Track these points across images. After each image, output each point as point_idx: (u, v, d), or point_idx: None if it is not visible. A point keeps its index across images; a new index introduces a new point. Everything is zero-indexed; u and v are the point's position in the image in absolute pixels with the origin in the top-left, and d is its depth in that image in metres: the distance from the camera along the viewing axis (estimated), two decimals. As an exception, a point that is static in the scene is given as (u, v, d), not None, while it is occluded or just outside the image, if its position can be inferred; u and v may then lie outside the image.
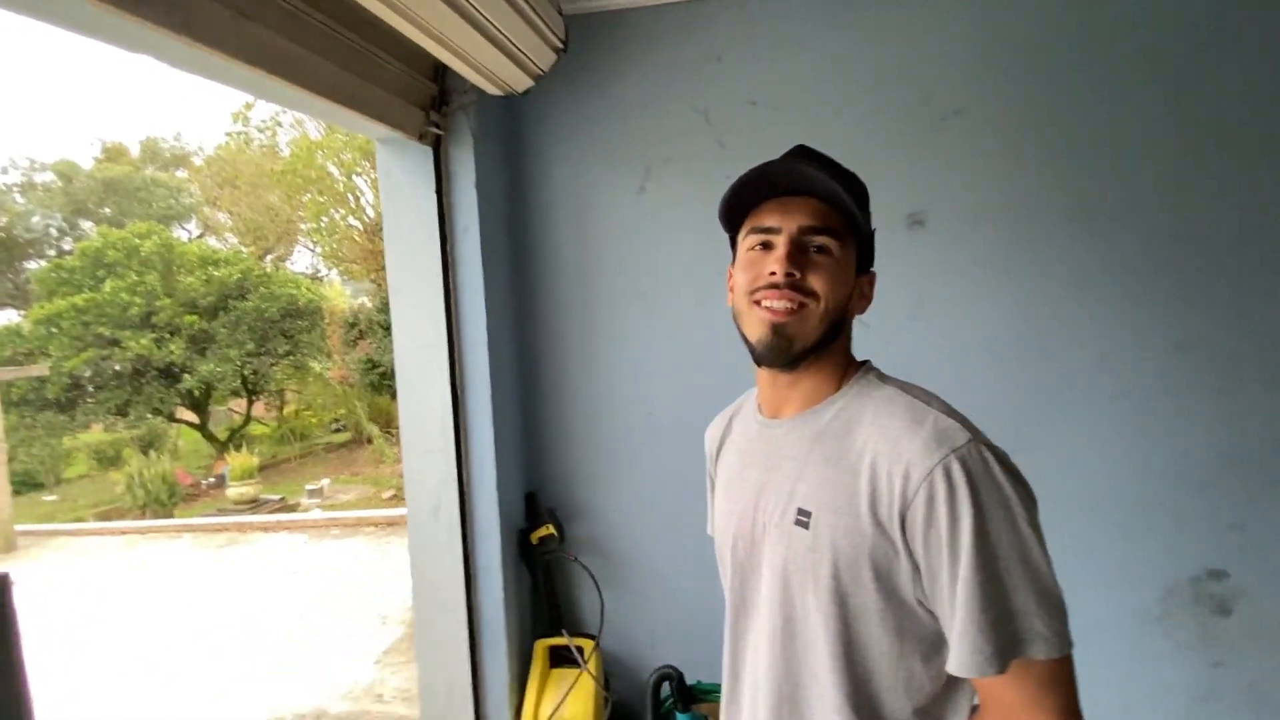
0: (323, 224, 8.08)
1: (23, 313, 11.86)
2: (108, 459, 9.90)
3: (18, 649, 1.31)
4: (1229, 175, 1.72)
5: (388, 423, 11.08)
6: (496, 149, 1.93)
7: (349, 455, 10.83)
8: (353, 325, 8.58)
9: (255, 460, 8.04)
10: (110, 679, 3.27)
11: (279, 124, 9.10)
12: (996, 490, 0.65)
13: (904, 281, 1.83)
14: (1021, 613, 0.64)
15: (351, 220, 8.08)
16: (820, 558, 0.72)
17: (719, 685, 1.96)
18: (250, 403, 10.68)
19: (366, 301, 8.92)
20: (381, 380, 8.01)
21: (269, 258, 12.72)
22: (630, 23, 1.92)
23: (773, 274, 0.73)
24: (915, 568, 0.68)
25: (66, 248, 15.27)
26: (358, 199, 8.07)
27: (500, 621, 1.90)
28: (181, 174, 16.31)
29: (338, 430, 12.06)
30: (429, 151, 1.73)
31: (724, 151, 1.90)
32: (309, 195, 8.19)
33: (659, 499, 2.05)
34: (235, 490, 7.49)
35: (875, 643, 0.71)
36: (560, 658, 2.01)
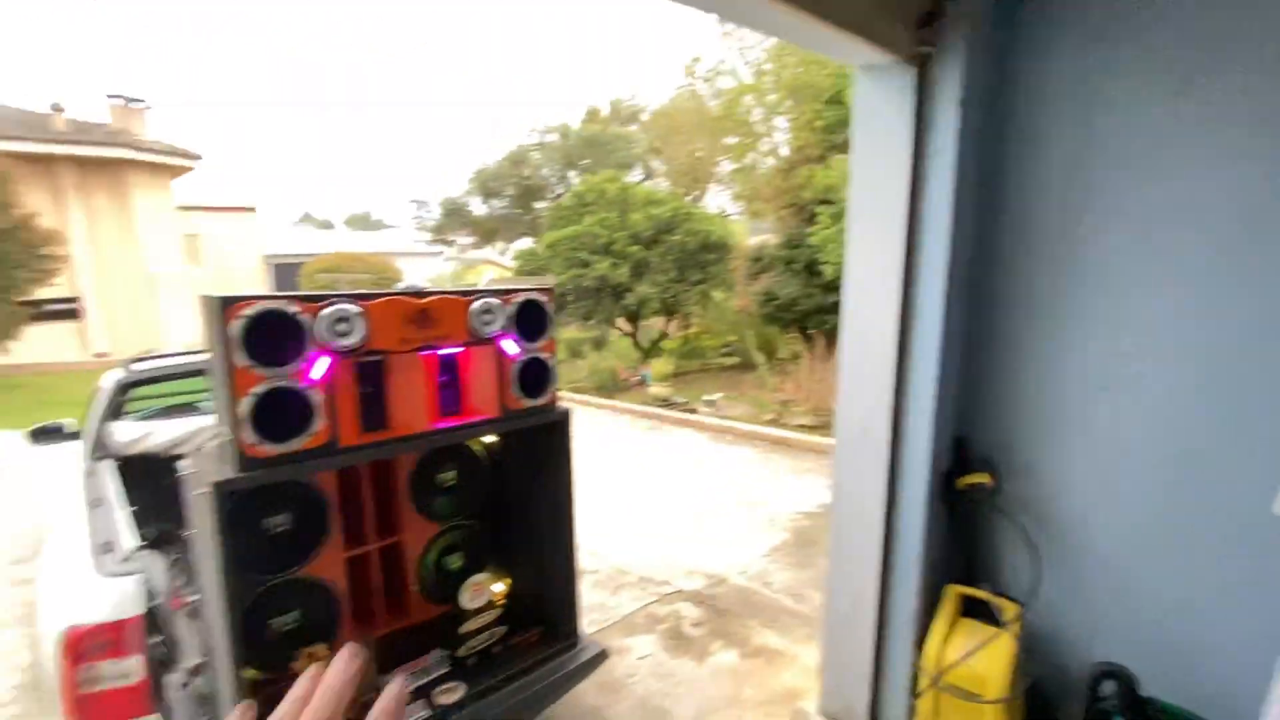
0: (743, 164, 8.79)
1: (534, 240, 16.56)
2: (574, 352, 13.35)
3: (571, 459, 1.89)
4: None
5: (771, 352, 11.92)
6: (987, 64, 1.76)
7: (736, 376, 12.06)
8: (756, 260, 9.27)
9: (670, 368, 9.67)
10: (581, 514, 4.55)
11: (719, 73, 10.10)
12: None
13: None
14: None
15: (768, 160, 8.56)
16: None
17: (1187, 713, 1.60)
18: (667, 321, 12.76)
19: (770, 238, 9.48)
20: (776, 312, 8.53)
21: (688, 198, 14.65)
22: None
23: None
24: None
25: (559, 191, 20.43)
26: (774, 140, 8.49)
27: (916, 553, 1.91)
28: (634, 128, 19.76)
29: (728, 354, 13.55)
30: (913, 73, 1.69)
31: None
32: (736, 139, 8.97)
33: (1132, 478, 1.71)
34: (654, 389, 9.21)
35: None
36: (972, 610, 1.92)
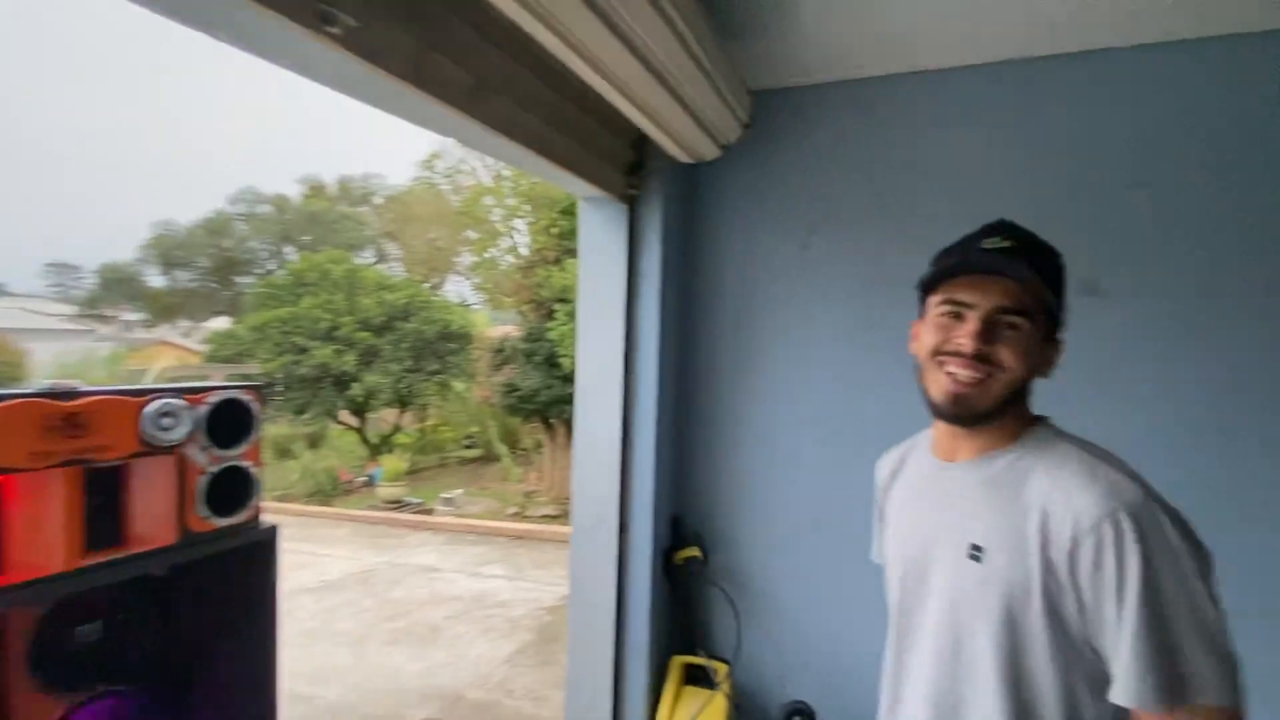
0: (484, 258, 9.01)
1: (234, 320, 14.22)
2: (282, 451, 11.47)
3: (275, 591, 1.66)
4: None
5: (515, 443, 11.90)
6: (678, 208, 2.19)
7: (478, 470, 11.69)
8: (499, 351, 9.39)
9: (404, 465, 8.95)
10: (285, 642, 3.82)
11: (459, 172, 10.39)
12: (1165, 544, 0.71)
13: (1078, 346, 1.83)
14: (1188, 658, 0.69)
15: (507, 257, 8.94)
16: (991, 590, 0.80)
17: (851, 731, 1.97)
18: (400, 413, 11.90)
19: (512, 330, 9.74)
20: (519, 403, 8.64)
21: (426, 285, 14.35)
22: (802, 98, 2.12)
23: (961, 344, 0.82)
24: (1081, 604, 0.75)
25: (271, 267, 18.13)
26: (514, 238, 8.95)
27: (645, 630, 2.06)
28: (364, 210, 18.86)
29: (469, 446, 13.10)
30: (624, 210, 2.02)
31: (886, 214, 2.03)
32: (475, 234, 9.20)
33: (802, 540, 2.13)
34: (385, 490, 8.38)
35: (1042, 672, 0.78)
36: (692, 677, 2.12)
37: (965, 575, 0.83)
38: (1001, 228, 0.88)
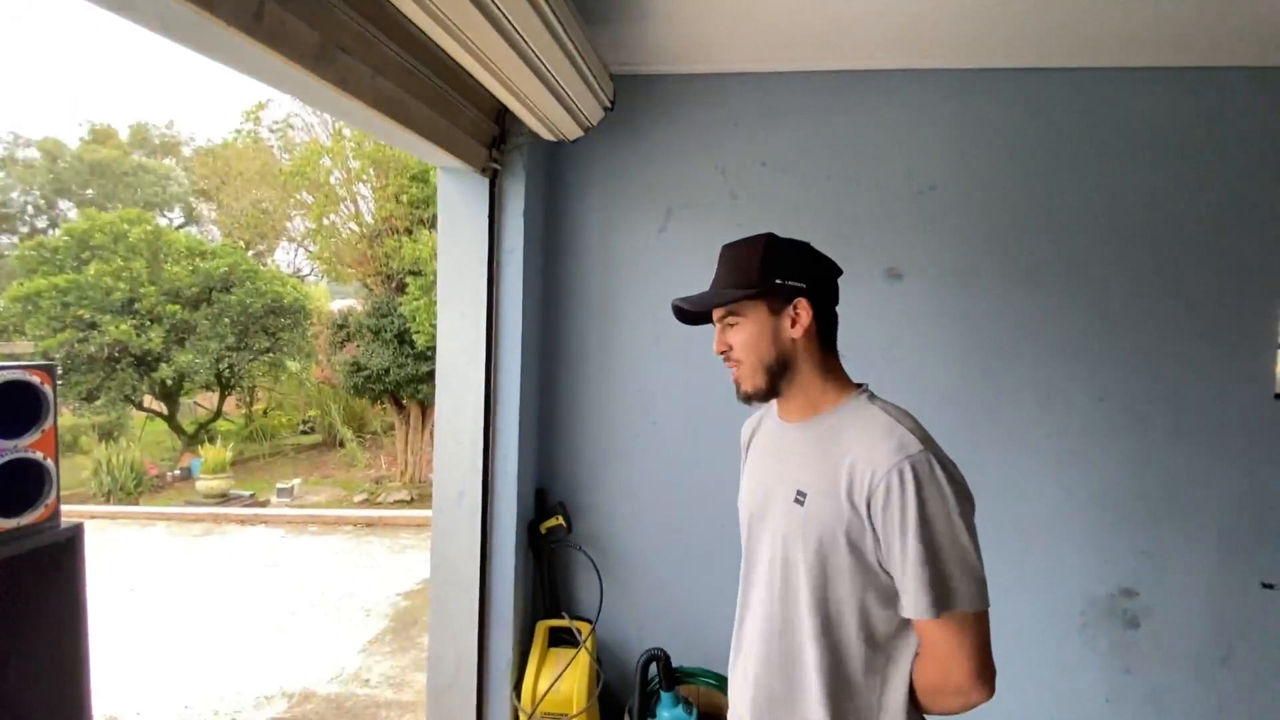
0: (322, 225, 8.20)
1: (-11, 288, 11.59)
2: (67, 444, 9.68)
3: (83, 599, 1.49)
4: (1148, 258, 2.09)
5: (360, 426, 11.08)
6: (541, 185, 2.21)
7: (318, 457, 10.76)
8: (340, 327, 8.64)
9: (228, 454, 8.00)
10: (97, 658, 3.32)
11: (291, 126, 9.27)
12: (937, 488, 0.91)
13: (880, 325, 2.16)
14: (951, 576, 0.89)
15: (351, 225, 8.22)
16: (810, 528, 0.98)
17: (701, 670, 2.20)
18: (222, 397, 10.57)
19: (356, 305, 9.01)
20: (365, 383, 8.06)
21: (250, 253, 12.72)
22: (663, 86, 2.24)
23: (718, 352, 1.08)
24: (876, 538, 0.94)
25: (41, 226, 14.98)
26: (357, 205, 8.24)
27: (509, 601, 2.11)
28: (169, 162, 16.19)
29: (306, 432, 11.97)
30: (485, 183, 2.00)
31: (736, 202, 2.22)
32: (310, 197, 8.33)
33: (656, 502, 2.30)
34: (205, 483, 7.44)
35: (845, 593, 0.97)
36: (558, 639, 2.22)
37: (792, 516, 1.00)
38: (720, 254, 1.13)
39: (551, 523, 2.23)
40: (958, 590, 0.89)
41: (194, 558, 5.24)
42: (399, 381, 7.96)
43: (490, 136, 1.99)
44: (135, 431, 10.34)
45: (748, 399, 1.06)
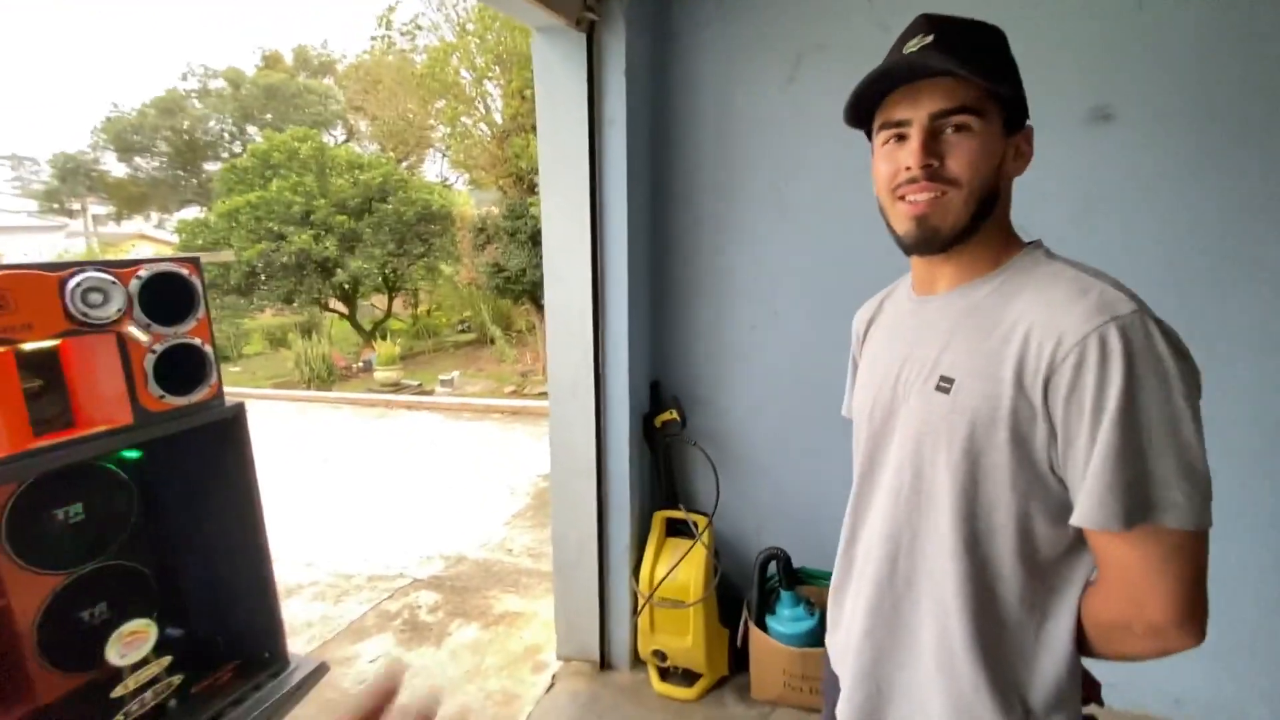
0: (457, 129, 8.40)
1: (204, 208, 13.60)
2: (276, 340, 11.47)
3: (252, 464, 1.65)
4: None
5: (508, 325, 11.86)
6: (645, 36, 1.93)
7: (473, 353, 11.78)
8: (480, 230, 9.04)
9: (397, 349, 8.99)
10: (293, 517, 4.00)
11: (419, 27, 9.38)
12: (1156, 361, 0.64)
13: (1076, 184, 1.69)
14: (1161, 480, 0.64)
15: (481, 126, 8.33)
16: (958, 420, 0.74)
17: (822, 572, 2.08)
18: (390, 299, 11.76)
19: (493, 209, 9.32)
20: (506, 284, 8.47)
21: (403, 164, 13.55)
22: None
23: (909, 168, 0.73)
24: (1052, 432, 0.69)
25: (237, 150, 17.06)
26: (487, 104, 8.28)
27: (625, 490, 2.12)
28: (328, 81, 17.39)
29: (463, 330, 13.09)
30: (583, 39, 1.78)
31: (887, 36, 1.79)
32: (444, 101, 8.50)
33: (778, 397, 2.13)
34: (381, 374, 8.47)
35: (1002, 501, 0.74)
36: (675, 530, 2.21)
37: (933, 408, 0.78)
38: (922, 23, 0.75)
39: (666, 416, 2.15)
40: (1166, 498, 0.64)
41: (373, 436, 6.04)
42: (536, 282, 8.25)
43: (585, -16, 1.74)
44: (326, 329, 11.97)
45: (929, 242, 0.76)
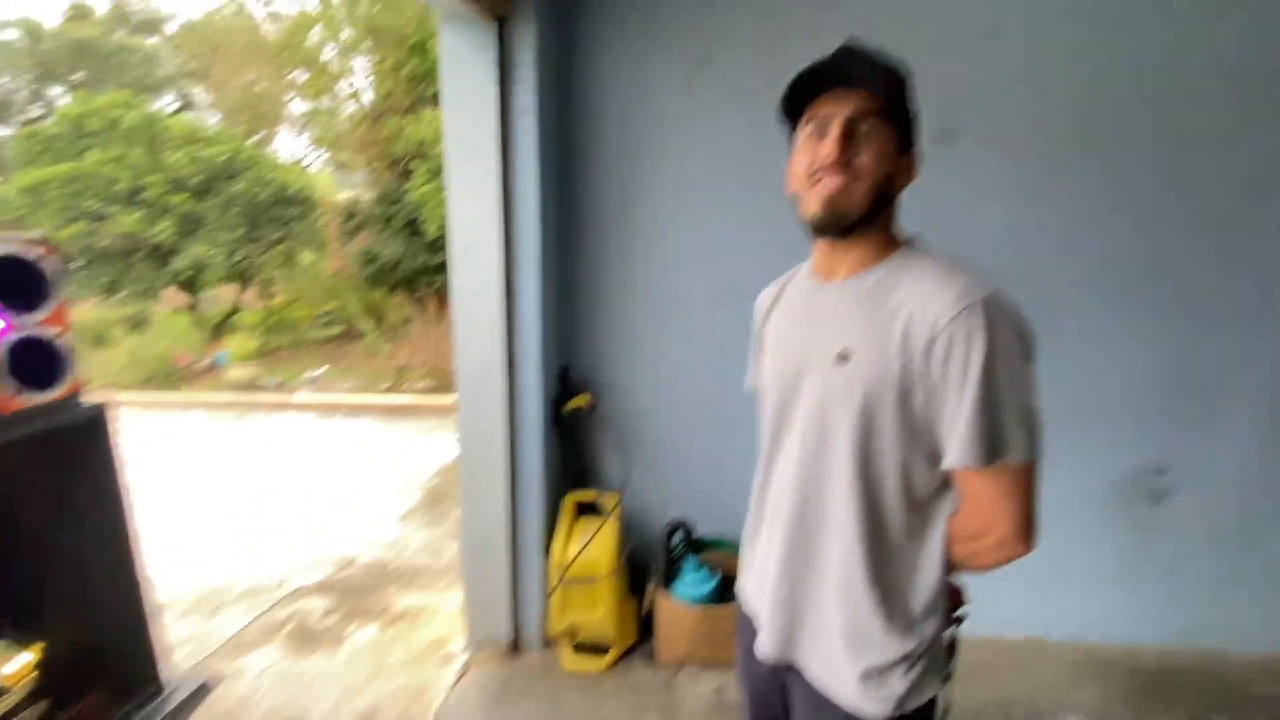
0: (320, 107, 7.76)
1: (-5, 180, 11.36)
2: (97, 337, 9.92)
3: (117, 469, 1.51)
4: (1225, 124, 1.87)
5: (380, 318, 11.14)
6: (555, 31, 1.98)
7: (340, 349, 10.94)
8: (350, 216, 8.43)
9: (254, 344, 8.16)
10: (153, 534, 3.56)
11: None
12: (1006, 335, 0.84)
13: (928, 194, 2.00)
14: (1008, 425, 0.84)
15: (351, 105, 7.77)
16: (854, 387, 0.91)
17: (722, 539, 2.27)
18: (242, 290, 10.60)
19: (363, 193, 8.72)
20: (379, 274, 7.99)
21: (251, 141, 12.21)
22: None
23: (827, 154, 0.88)
24: (929, 392, 0.87)
25: (35, 114, 14.41)
26: (354, 83, 7.74)
27: (537, 474, 2.16)
28: (154, 40, 15.20)
29: (327, 324, 12.10)
30: (494, 30, 1.79)
31: (784, 50, 1.98)
32: (305, 74, 7.82)
33: (680, 379, 2.28)
34: (236, 372, 7.65)
35: (888, 450, 0.91)
36: (586, 510, 2.29)
37: (833, 378, 0.94)
38: (846, 46, 0.92)
39: (577, 401, 2.23)
40: (1012, 439, 0.84)
41: (233, 440, 5.48)
42: (413, 272, 7.87)
43: (495, -26, 1.76)
44: (160, 324, 10.52)
45: (834, 222, 0.91)
